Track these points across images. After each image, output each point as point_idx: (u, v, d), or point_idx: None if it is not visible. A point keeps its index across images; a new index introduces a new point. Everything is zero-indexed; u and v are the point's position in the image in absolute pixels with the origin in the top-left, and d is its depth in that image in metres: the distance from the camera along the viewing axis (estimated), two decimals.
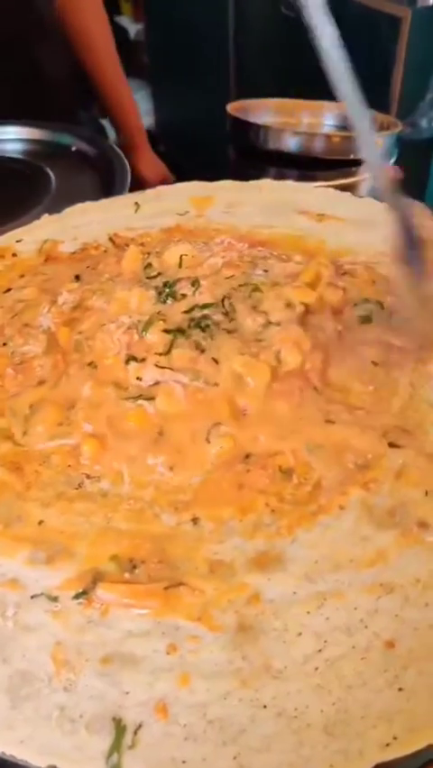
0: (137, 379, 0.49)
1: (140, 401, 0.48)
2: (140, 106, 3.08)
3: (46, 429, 0.48)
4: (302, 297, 0.53)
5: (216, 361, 0.49)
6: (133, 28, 2.83)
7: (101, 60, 1.28)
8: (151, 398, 0.48)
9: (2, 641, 0.37)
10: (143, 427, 0.47)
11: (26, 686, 0.35)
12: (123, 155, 1.01)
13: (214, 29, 2.31)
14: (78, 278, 0.61)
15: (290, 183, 0.71)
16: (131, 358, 0.50)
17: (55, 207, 0.76)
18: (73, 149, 1.08)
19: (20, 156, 1.05)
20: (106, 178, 0.98)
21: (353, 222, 0.63)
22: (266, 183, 0.70)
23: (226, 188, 0.70)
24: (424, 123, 1.82)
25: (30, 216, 0.79)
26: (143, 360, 0.50)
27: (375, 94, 1.48)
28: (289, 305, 0.52)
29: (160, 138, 2.83)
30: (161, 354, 0.50)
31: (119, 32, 2.95)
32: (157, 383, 0.49)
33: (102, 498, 0.44)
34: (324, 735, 0.32)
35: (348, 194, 0.67)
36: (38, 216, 0.72)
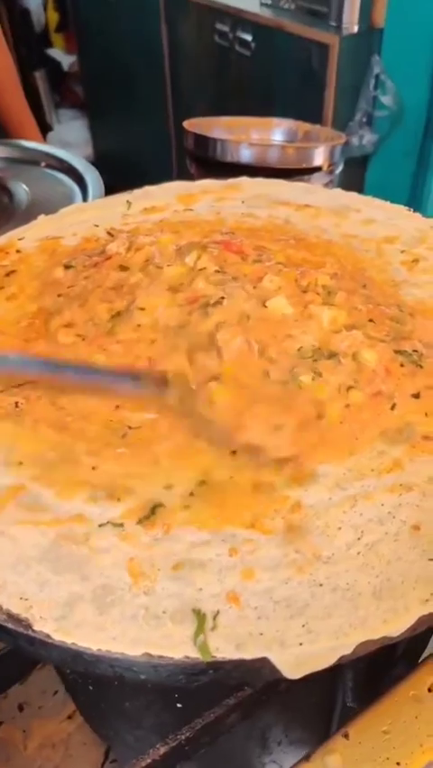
0: None
1: None
2: (77, 137, 3.15)
3: None
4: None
5: None
6: (66, 60, 2.91)
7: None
8: None
9: (79, 563, 0.42)
10: None
11: (110, 595, 0.40)
12: (93, 166, 1.08)
13: (148, 57, 2.42)
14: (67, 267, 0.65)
15: (265, 180, 0.79)
16: None
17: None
18: (42, 164, 1.13)
19: None
20: (81, 190, 1.04)
21: (327, 209, 0.72)
22: (245, 180, 0.78)
23: (210, 186, 0.77)
24: (355, 141, 1.97)
25: (7, 229, 0.84)
26: None
27: (310, 115, 1.61)
28: None
29: (99, 168, 2.90)
30: None
31: (52, 65, 3.04)
32: None
33: (147, 443, 0.49)
34: (374, 599, 0.39)
35: (319, 185, 0.76)
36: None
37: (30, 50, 2.90)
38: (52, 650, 0.39)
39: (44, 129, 3.06)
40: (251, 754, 0.70)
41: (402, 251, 0.64)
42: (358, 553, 0.41)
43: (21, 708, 0.94)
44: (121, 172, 2.76)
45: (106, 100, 2.80)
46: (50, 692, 0.94)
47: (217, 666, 0.37)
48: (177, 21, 2.31)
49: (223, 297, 0.53)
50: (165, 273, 0.55)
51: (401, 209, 0.72)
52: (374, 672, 0.54)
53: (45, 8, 2.89)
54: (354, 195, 0.75)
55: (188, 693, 0.46)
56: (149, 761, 0.44)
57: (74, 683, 0.72)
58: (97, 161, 2.96)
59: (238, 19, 1.99)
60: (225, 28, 2.06)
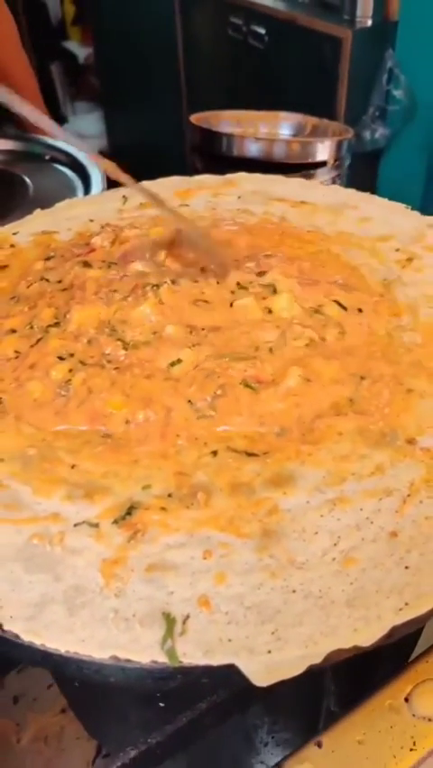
0: None
1: None
2: (92, 129, 3.15)
3: None
4: None
5: None
6: (81, 52, 2.91)
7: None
8: None
9: (52, 563, 0.42)
10: None
11: (80, 596, 0.40)
12: (96, 160, 1.07)
13: (163, 50, 2.41)
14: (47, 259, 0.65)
15: (262, 175, 0.78)
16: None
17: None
18: (47, 157, 1.13)
19: None
20: (82, 184, 1.04)
21: (324, 206, 0.71)
22: (242, 176, 0.77)
23: (206, 182, 0.76)
24: (367, 135, 1.94)
25: (9, 221, 0.84)
26: None
27: (323, 109, 1.58)
28: None
29: (114, 160, 2.90)
30: None
31: (68, 58, 3.04)
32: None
33: (127, 442, 0.48)
34: (346, 607, 0.38)
35: (317, 182, 0.75)
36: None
37: (46, 43, 2.90)
38: (22, 650, 0.39)
39: (59, 121, 3.05)
40: (239, 752, 0.69)
41: (397, 250, 0.63)
42: (333, 559, 0.40)
43: (16, 700, 0.95)
44: (136, 164, 2.76)
45: (122, 92, 2.80)
46: (44, 685, 0.94)
47: (185, 671, 0.37)
48: (191, 14, 2.30)
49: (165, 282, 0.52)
50: (130, 269, 0.54)
51: (400, 207, 0.70)
52: (357, 677, 0.54)
53: (62, 1, 2.89)
54: (352, 191, 0.73)
55: (167, 693, 0.46)
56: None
57: (61, 679, 0.72)
58: (112, 153, 2.95)
59: (252, 12, 1.98)
60: (239, 21, 2.04)
